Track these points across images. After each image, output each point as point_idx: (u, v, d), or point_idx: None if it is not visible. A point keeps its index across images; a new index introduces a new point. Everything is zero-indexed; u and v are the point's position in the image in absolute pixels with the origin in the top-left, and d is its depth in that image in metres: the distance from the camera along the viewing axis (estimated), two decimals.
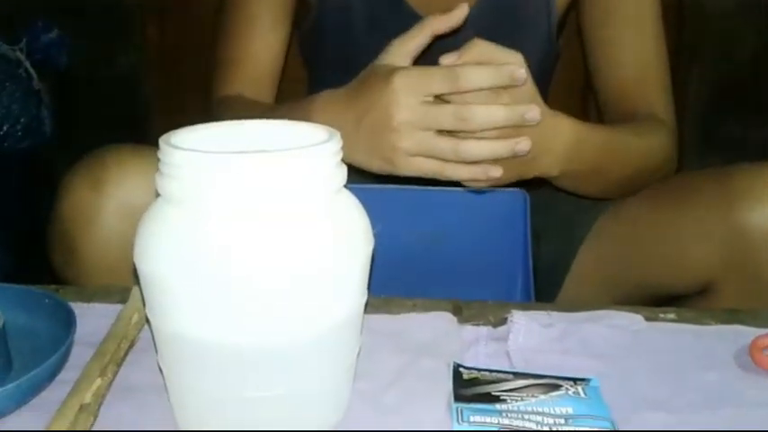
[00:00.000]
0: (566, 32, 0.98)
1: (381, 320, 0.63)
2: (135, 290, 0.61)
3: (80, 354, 0.55)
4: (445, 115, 0.63)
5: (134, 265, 0.48)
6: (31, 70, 1.51)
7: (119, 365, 0.55)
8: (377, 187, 0.76)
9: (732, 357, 0.59)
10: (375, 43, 0.71)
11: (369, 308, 0.53)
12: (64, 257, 0.74)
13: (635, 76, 0.87)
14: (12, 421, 0.50)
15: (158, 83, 1.64)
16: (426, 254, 0.81)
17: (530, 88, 0.66)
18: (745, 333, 0.61)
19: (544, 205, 0.88)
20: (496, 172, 0.65)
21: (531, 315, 0.62)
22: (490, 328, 0.63)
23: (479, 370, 0.55)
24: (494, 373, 0.54)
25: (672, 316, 0.65)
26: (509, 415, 0.49)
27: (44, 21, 1.55)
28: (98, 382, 0.51)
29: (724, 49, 1.52)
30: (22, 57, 1.50)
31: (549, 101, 0.71)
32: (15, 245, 1.47)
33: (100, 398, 0.51)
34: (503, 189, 0.77)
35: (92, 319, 0.60)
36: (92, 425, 0.49)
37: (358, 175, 0.67)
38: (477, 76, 0.63)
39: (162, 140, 0.47)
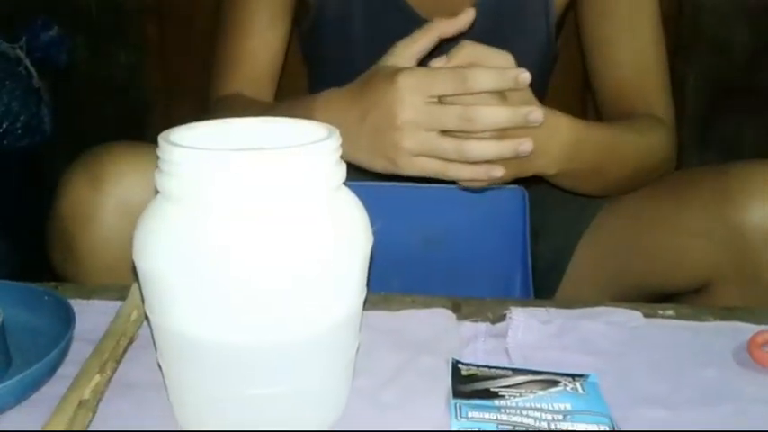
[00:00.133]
0: (564, 33, 0.98)
1: (380, 317, 0.63)
2: (134, 287, 0.61)
3: (79, 350, 0.55)
4: (449, 116, 0.64)
5: (133, 263, 0.48)
6: (31, 68, 1.51)
7: (118, 362, 0.55)
8: (376, 184, 0.76)
9: (730, 354, 0.59)
10: (374, 43, 0.72)
11: (367, 304, 0.53)
12: (63, 255, 0.74)
13: (632, 76, 0.87)
14: (11, 416, 0.50)
15: (158, 81, 1.65)
16: (425, 251, 0.81)
17: (526, 90, 0.66)
18: (744, 330, 0.61)
19: (543, 202, 0.88)
20: (498, 172, 0.66)
21: (529, 312, 0.63)
22: (489, 324, 0.63)
23: (478, 366, 0.55)
24: (492, 370, 0.54)
25: (670, 313, 0.65)
26: (507, 411, 0.49)
27: (44, 19, 1.55)
28: (97, 378, 0.51)
29: (721, 50, 1.53)
30: (22, 55, 1.50)
31: (548, 101, 0.71)
32: (15, 243, 1.47)
33: (99, 394, 0.51)
34: (502, 186, 0.77)
35: (91, 315, 0.60)
36: (90, 421, 0.49)
37: (360, 174, 0.67)
38: (484, 79, 0.63)
39: (161, 138, 0.47)
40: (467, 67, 0.64)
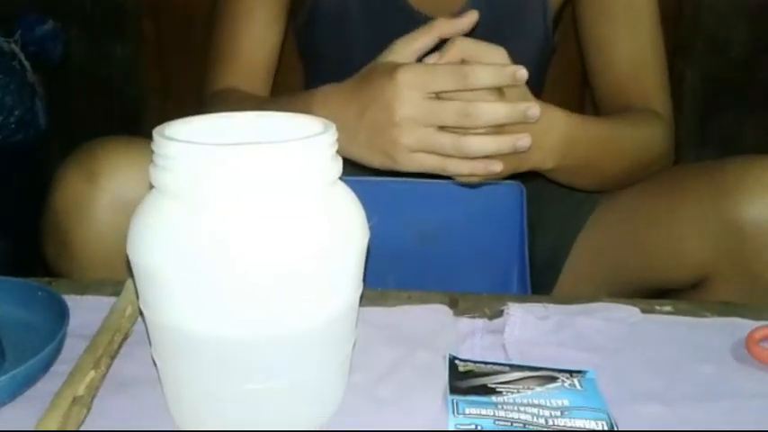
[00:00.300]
0: (562, 26, 0.98)
1: (377, 313, 0.63)
2: (128, 282, 0.60)
3: (73, 346, 0.55)
4: (448, 111, 0.64)
5: (127, 258, 0.48)
6: (26, 62, 1.50)
7: (112, 358, 0.55)
8: (373, 179, 0.76)
9: (728, 350, 0.59)
10: (370, 37, 0.71)
11: (364, 300, 0.53)
12: (57, 250, 0.73)
13: (630, 72, 0.86)
14: (5, 413, 0.50)
15: (153, 76, 1.64)
16: (422, 246, 0.81)
17: (522, 86, 0.67)
18: (742, 325, 0.61)
19: (540, 198, 0.88)
20: (497, 167, 0.66)
21: (527, 307, 0.62)
22: (486, 320, 0.62)
23: (475, 362, 0.55)
24: (489, 366, 0.54)
25: (668, 308, 0.65)
26: (505, 407, 0.49)
27: (39, 13, 1.54)
28: (91, 374, 0.51)
29: (719, 47, 1.53)
30: (16, 49, 1.49)
31: (546, 95, 0.71)
32: (8, 238, 1.47)
33: (93, 390, 0.51)
34: (499, 182, 0.77)
35: (85, 311, 0.60)
36: (85, 417, 0.48)
37: (357, 170, 0.67)
38: (485, 75, 0.63)
39: (156, 132, 0.47)
40: (467, 64, 0.64)
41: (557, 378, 0.52)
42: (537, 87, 0.68)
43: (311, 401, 0.50)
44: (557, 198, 0.89)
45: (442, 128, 0.65)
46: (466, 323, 0.62)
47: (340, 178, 0.49)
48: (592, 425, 0.48)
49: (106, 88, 1.65)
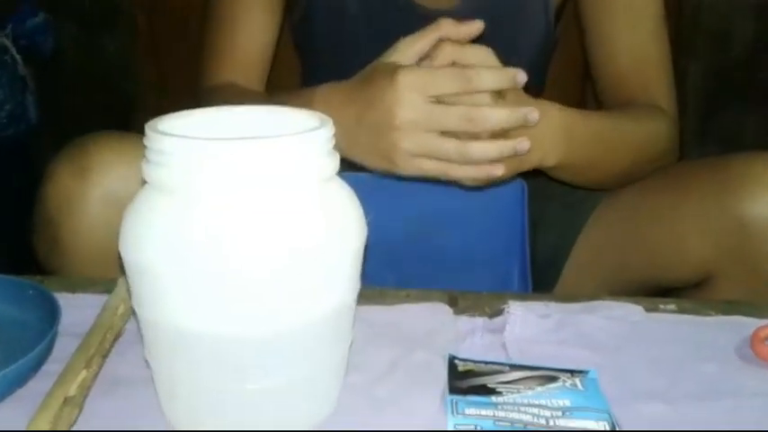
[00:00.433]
0: (564, 20, 0.97)
1: (375, 311, 0.62)
2: (121, 280, 0.60)
3: (65, 345, 0.54)
4: (451, 117, 0.64)
5: (119, 255, 0.47)
6: (16, 55, 1.49)
7: (104, 357, 0.54)
8: (371, 176, 0.75)
9: (733, 348, 0.58)
10: (369, 32, 0.71)
11: (362, 299, 0.52)
12: (48, 246, 0.73)
13: (632, 66, 0.86)
14: None
15: (146, 70, 1.63)
16: (422, 244, 0.81)
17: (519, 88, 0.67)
18: (747, 324, 0.60)
19: (541, 196, 0.88)
20: (499, 170, 0.66)
21: (527, 306, 0.62)
22: (486, 319, 0.62)
23: (475, 362, 0.54)
24: (489, 365, 0.54)
25: (671, 307, 0.65)
26: (505, 407, 0.48)
27: (30, 5, 1.53)
28: (83, 374, 0.50)
29: (721, 43, 1.54)
30: (7, 42, 1.48)
31: (547, 90, 0.70)
32: None
33: (85, 390, 0.50)
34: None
35: (77, 309, 0.59)
36: (77, 418, 0.48)
37: (357, 170, 0.66)
38: (488, 78, 0.64)
39: (148, 127, 0.46)
40: (470, 67, 0.64)
41: (558, 378, 0.52)
42: (538, 83, 0.68)
43: (307, 401, 0.49)
44: (558, 195, 0.89)
45: (442, 132, 0.65)
46: (466, 322, 0.62)
47: (337, 174, 0.49)
48: (593, 425, 0.47)
49: (99, 83, 1.64)
